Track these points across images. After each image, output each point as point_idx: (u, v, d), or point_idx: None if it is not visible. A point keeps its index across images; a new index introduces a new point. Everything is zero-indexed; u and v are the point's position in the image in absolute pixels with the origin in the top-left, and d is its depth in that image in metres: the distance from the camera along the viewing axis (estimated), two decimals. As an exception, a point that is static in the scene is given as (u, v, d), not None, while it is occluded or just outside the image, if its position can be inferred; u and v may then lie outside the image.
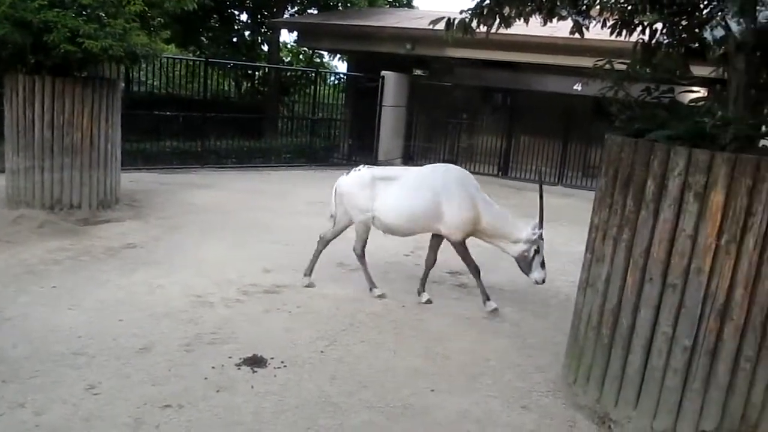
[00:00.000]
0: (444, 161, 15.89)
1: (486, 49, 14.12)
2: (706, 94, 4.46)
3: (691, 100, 4.27)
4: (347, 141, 16.35)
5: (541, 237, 5.56)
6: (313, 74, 16.97)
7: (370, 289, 6.05)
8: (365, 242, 6.09)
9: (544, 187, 5.56)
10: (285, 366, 4.46)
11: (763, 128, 3.97)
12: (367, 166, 6.10)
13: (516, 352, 5.04)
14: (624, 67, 4.51)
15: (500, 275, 6.72)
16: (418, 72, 18.09)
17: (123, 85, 10.15)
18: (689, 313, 3.61)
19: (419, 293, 6.02)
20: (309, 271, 6.20)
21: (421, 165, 6.88)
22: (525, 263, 5.66)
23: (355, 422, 3.82)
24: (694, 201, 3.53)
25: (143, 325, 4.96)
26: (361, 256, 6.11)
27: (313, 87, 16.45)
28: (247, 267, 6.57)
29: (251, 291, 5.91)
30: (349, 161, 15.91)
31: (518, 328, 5.57)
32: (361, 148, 15.87)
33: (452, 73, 16.55)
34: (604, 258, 4.01)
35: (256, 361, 4.49)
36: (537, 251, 5.57)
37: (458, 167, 6.17)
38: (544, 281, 5.67)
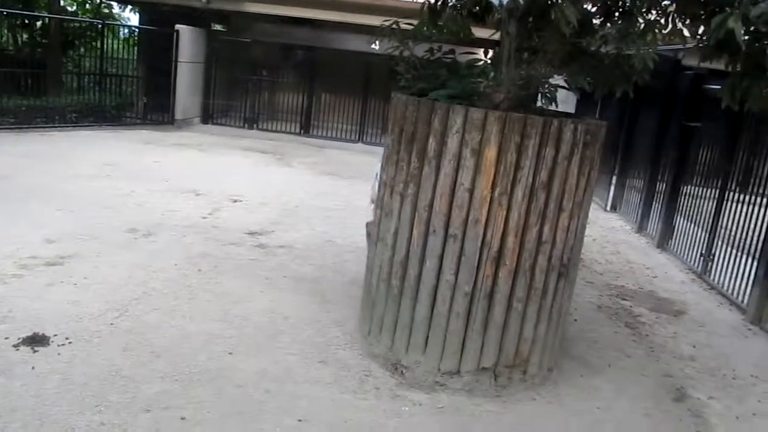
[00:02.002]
0: (245, 120, 15.64)
1: (284, 5, 13.98)
2: (484, 56, 4.72)
3: (468, 61, 4.53)
4: (141, 99, 15.39)
5: None
6: (101, 26, 15.66)
7: None
8: None
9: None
10: (70, 342, 4.16)
11: (531, 89, 4.31)
12: None
13: (315, 309, 5.12)
14: (411, 27, 4.64)
15: (300, 234, 6.80)
16: (216, 27, 17.45)
17: None
18: (468, 261, 3.87)
19: None
20: None
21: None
22: None
23: (149, 393, 3.67)
24: (470, 156, 3.76)
25: None
26: None
27: (101, 40, 15.21)
28: (25, 238, 5.99)
29: (31, 264, 5.41)
30: (145, 120, 15.05)
31: (317, 285, 5.65)
32: (157, 107, 15.05)
33: (252, 29, 16.17)
34: (392, 213, 4.17)
35: (36, 340, 4.13)
36: None
37: None
38: None
